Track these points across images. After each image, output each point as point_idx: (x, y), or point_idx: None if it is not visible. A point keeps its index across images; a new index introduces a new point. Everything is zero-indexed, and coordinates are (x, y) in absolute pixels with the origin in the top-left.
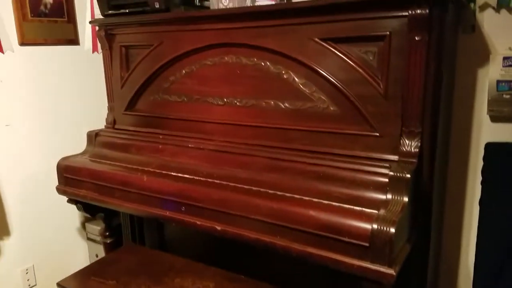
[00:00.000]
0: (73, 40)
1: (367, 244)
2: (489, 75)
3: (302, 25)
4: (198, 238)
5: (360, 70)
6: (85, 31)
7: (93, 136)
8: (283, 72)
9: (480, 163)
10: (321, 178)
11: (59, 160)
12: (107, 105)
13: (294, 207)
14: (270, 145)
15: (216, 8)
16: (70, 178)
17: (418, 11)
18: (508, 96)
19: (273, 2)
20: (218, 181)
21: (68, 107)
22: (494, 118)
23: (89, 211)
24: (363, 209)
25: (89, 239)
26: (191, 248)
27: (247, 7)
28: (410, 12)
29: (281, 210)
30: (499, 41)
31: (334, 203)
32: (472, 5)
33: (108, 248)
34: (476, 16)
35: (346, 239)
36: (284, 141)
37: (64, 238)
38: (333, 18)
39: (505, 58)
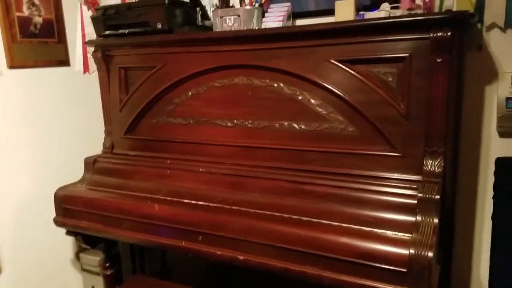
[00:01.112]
0: (64, 61)
1: (405, 270)
2: (498, 93)
3: (318, 47)
4: (201, 264)
5: (379, 91)
6: (76, 52)
7: (91, 163)
8: (298, 93)
9: (490, 178)
10: (345, 201)
11: (57, 190)
12: (103, 128)
13: (324, 234)
14: (287, 167)
15: (219, 29)
16: (69, 209)
17: (440, 34)
18: None
19: (281, 23)
20: (236, 207)
21: (62, 131)
22: (503, 134)
23: (89, 242)
24: (395, 233)
25: (84, 270)
26: (194, 274)
27: (259, 30)
28: (432, 34)
29: (310, 237)
30: (506, 60)
31: (364, 228)
32: (479, 25)
33: (108, 280)
34: (483, 35)
35: (383, 266)
36: (301, 163)
37: (58, 270)
38: (351, 40)
39: None
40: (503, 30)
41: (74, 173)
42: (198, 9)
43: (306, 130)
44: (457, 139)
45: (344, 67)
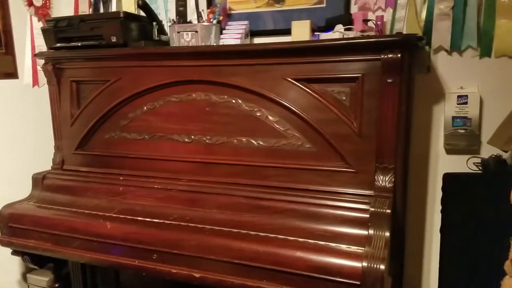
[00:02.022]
0: (12, 74)
1: (358, 283)
2: (445, 112)
3: (275, 65)
4: (156, 283)
5: (334, 109)
6: (25, 64)
7: (40, 179)
8: (256, 109)
9: (438, 193)
10: (302, 216)
11: (2, 208)
12: (53, 144)
13: (281, 249)
14: (246, 183)
15: (177, 44)
16: (16, 227)
17: (391, 55)
18: (463, 131)
19: (238, 41)
20: (193, 224)
21: (9, 146)
22: (450, 151)
23: (37, 262)
24: (349, 246)
25: None
26: None
27: (217, 46)
28: (383, 56)
29: (267, 252)
30: (452, 81)
31: (320, 242)
32: (427, 47)
33: None
34: (431, 57)
35: (337, 279)
36: (259, 178)
37: None
38: (307, 59)
39: (459, 97)
40: (449, 53)
41: (22, 190)
42: (154, 23)
43: (264, 146)
44: (407, 156)
45: (300, 85)
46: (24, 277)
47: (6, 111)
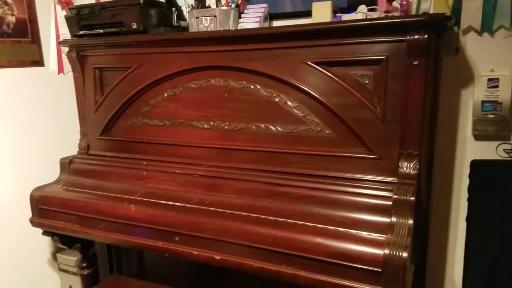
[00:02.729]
0: (38, 62)
1: (379, 270)
2: (474, 96)
3: (294, 48)
4: (178, 265)
5: (356, 94)
6: (50, 52)
7: (67, 164)
8: (274, 95)
9: (465, 180)
10: (321, 202)
11: (32, 191)
12: (78, 129)
13: (300, 235)
14: (264, 169)
15: (196, 29)
16: (45, 209)
17: (417, 36)
18: (492, 116)
19: (257, 25)
20: (212, 209)
21: (36, 132)
22: (479, 137)
23: (66, 243)
24: (370, 233)
25: (61, 270)
26: (172, 275)
27: (235, 30)
28: (408, 37)
29: (286, 237)
30: (482, 63)
31: (339, 229)
32: (456, 28)
33: (86, 280)
34: (459, 38)
35: (358, 266)
36: (279, 165)
37: (35, 271)
38: (328, 42)
39: (489, 80)
40: (479, 33)
41: (50, 173)
42: (173, 9)
43: (283, 132)
44: (432, 142)
45: (320, 69)
46: (54, 257)
47: (34, 98)
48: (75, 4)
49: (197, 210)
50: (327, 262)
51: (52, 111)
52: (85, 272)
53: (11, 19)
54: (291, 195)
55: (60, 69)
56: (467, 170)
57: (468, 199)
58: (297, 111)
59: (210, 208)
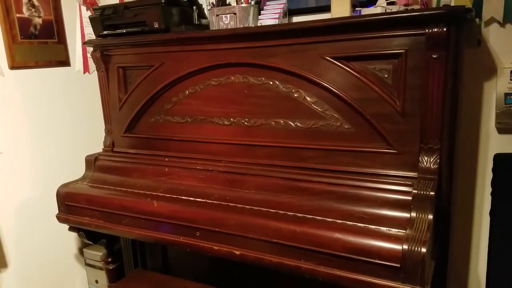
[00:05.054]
0: (64, 62)
1: (398, 265)
2: (497, 88)
3: (313, 43)
4: (201, 260)
5: (375, 88)
6: (76, 52)
7: (92, 161)
8: (293, 91)
9: (488, 175)
10: (340, 198)
11: (59, 188)
12: (103, 127)
13: (318, 230)
14: (284, 165)
15: (216, 27)
16: (71, 205)
17: (436, 29)
18: None
19: (276, 21)
20: (232, 204)
21: (63, 130)
22: (502, 130)
23: (91, 238)
24: (390, 229)
25: (87, 264)
26: (195, 270)
27: (254, 27)
28: (427, 30)
29: (305, 233)
30: (505, 55)
31: (359, 224)
32: (477, 20)
33: (111, 274)
34: (481, 30)
35: (377, 261)
36: (298, 160)
37: (62, 265)
38: (347, 36)
39: None
40: (502, 25)
41: (76, 171)
42: (194, 7)
43: (302, 128)
44: (453, 136)
45: (339, 64)
46: (81, 252)
47: (61, 98)
48: (99, 4)
49: (217, 205)
50: (346, 257)
51: (78, 109)
52: (111, 267)
53: (38, 20)
54: (310, 191)
55: (86, 69)
56: (490, 164)
57: (492, 193)
58: (316, 107)
59: (230, 204)
